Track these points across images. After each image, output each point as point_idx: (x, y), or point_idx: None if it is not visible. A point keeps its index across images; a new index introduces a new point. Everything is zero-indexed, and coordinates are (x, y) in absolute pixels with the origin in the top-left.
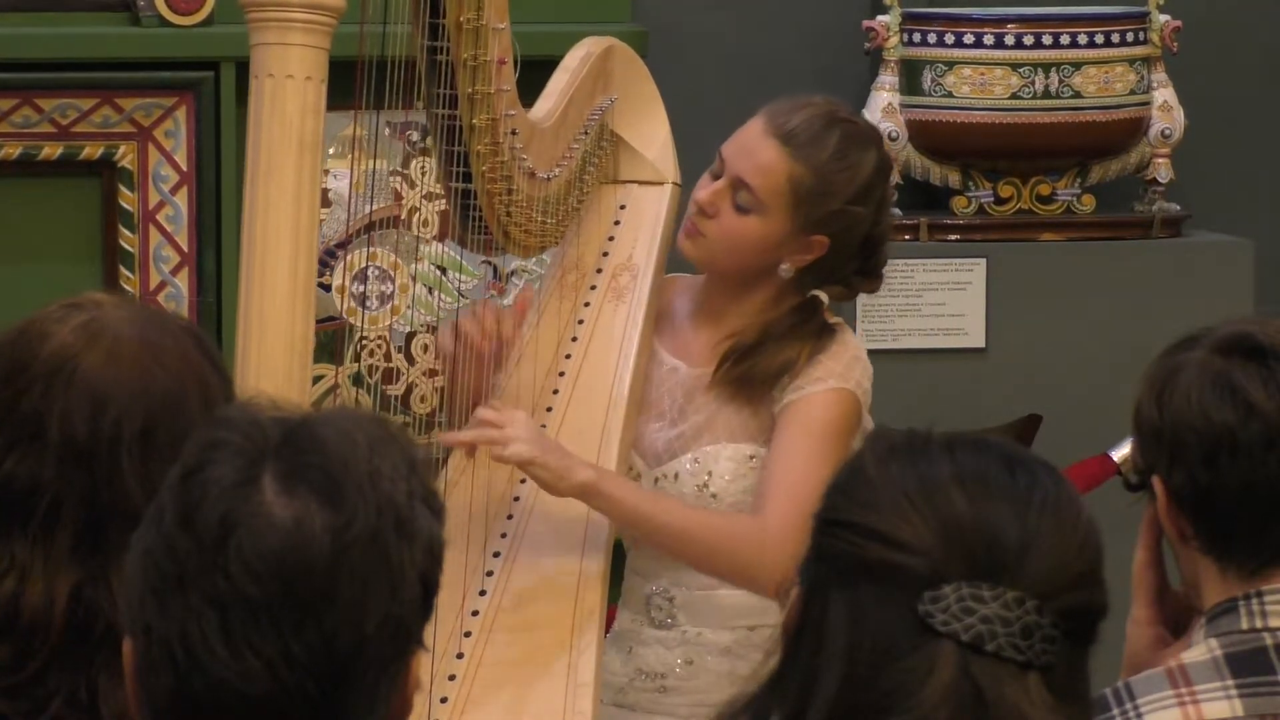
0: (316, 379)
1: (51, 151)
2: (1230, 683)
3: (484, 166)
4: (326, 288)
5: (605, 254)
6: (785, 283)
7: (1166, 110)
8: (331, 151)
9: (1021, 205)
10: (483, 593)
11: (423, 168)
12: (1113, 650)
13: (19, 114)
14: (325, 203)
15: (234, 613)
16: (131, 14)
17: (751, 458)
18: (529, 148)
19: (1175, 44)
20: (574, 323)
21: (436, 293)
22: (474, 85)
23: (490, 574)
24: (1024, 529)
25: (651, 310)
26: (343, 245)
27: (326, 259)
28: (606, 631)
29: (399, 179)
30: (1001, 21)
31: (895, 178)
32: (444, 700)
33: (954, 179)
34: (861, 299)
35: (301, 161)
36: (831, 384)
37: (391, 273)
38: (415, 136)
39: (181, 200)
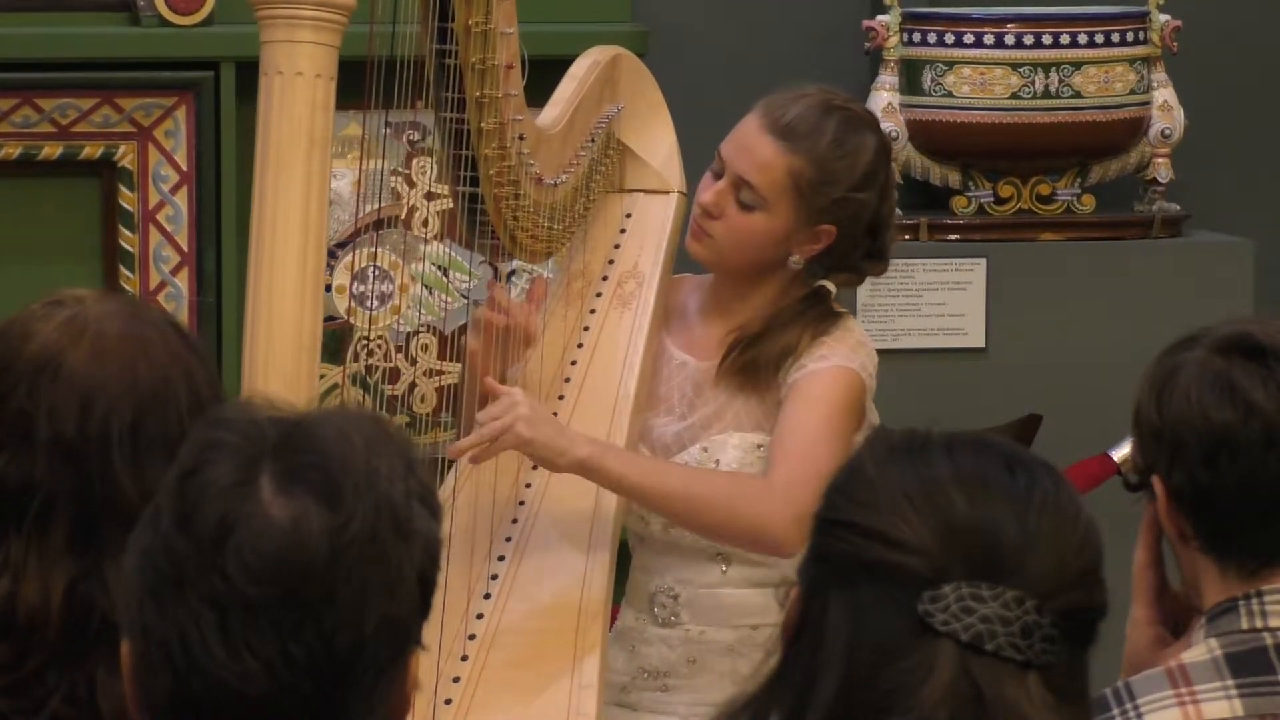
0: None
1: (51, 151)
2: (1230, 683)
3: (491, 170)
4: (327, 288)
5: (611, 262)
6: (794, 274)
7: (1166, 110)
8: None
9: (1021, 205)
10: (487, 596)
11: (423, 167)
12: (1113, 650)
13: (19, 114)
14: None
15: (232, 614)
16: (131, 14)
17: (759, 446)
18: (536, 153)
19: (1175, 44)
20: (579, 330)
21: (436, 293)
22: (482, 89)
23: (495, 577)
24: (1024, 529)
25: (657, 318)
26: (343, 245)
27: (327, 259)
28: (610, 631)
29: (399, 178)
30: (1001, 21)
31: (895, 177)
32: (448, 702)
33: (954, 179)
34: (861, 299)
35: (310, 159)
36: (836, 361)
37: (391, 273)
38: (416, 136)
39: (181, 200)
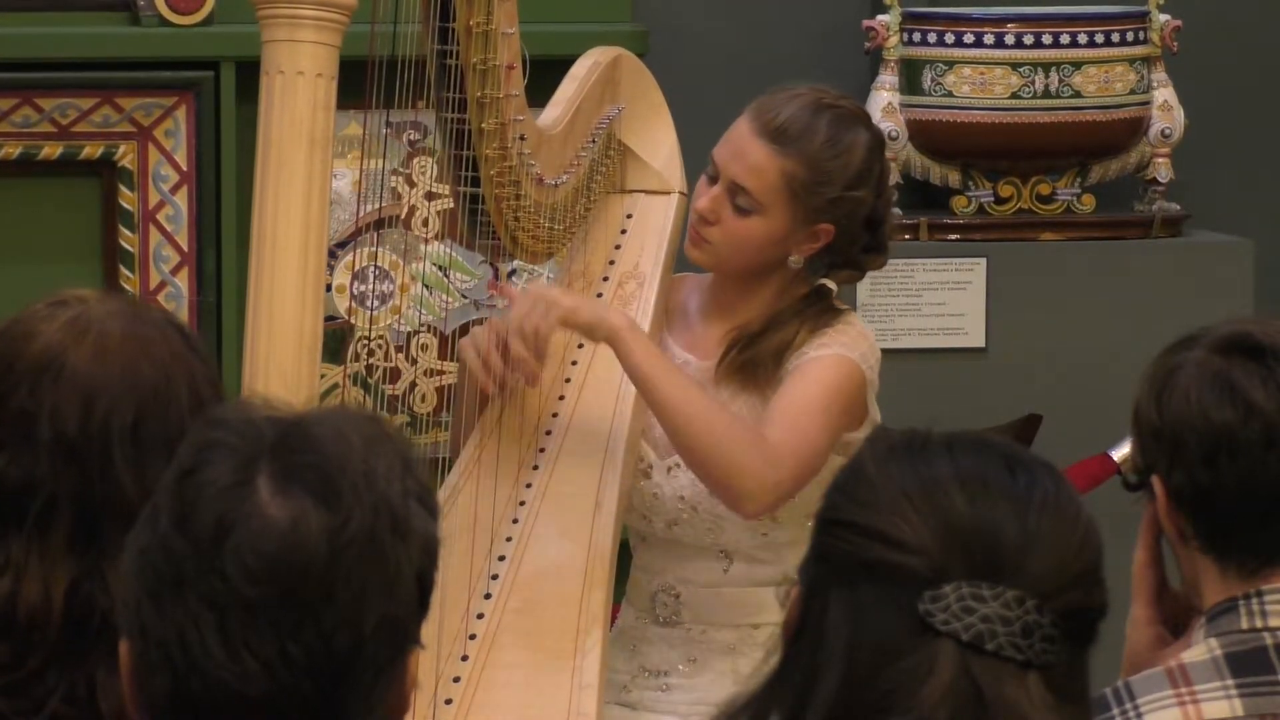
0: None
1: (51, 151)
2: (1230, 682)
3: (492, 171)
4: (327, 287)
5: (612, 262)
6: (795, 273)
7: (1166, 110)
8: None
9: (1021, 205)
10: (488, 595)
11: (423, 167)
12: (1113, 650)
13: (19, 114)
14: None
15: (231, 614)
16: (131, 14)
17: None
18: (537, 153)
19: (1175, 44)
20: None
21: (436, 292)
22: (483, 89)
23: (495, 577)
24: (1024, 529)
25: (658, 318)
26: (343, 245)
27: (328, 258)
28: (610, 630)
29: (399, 178)
30: (1001, 21)
31: (896, 178)
32: (449, 702)
33: (954, 179)
34: (862, 298)
35: (312, 158)
36: (836, 350)
37: (392, 273)
38: (416, 136)
39: (181, 200)
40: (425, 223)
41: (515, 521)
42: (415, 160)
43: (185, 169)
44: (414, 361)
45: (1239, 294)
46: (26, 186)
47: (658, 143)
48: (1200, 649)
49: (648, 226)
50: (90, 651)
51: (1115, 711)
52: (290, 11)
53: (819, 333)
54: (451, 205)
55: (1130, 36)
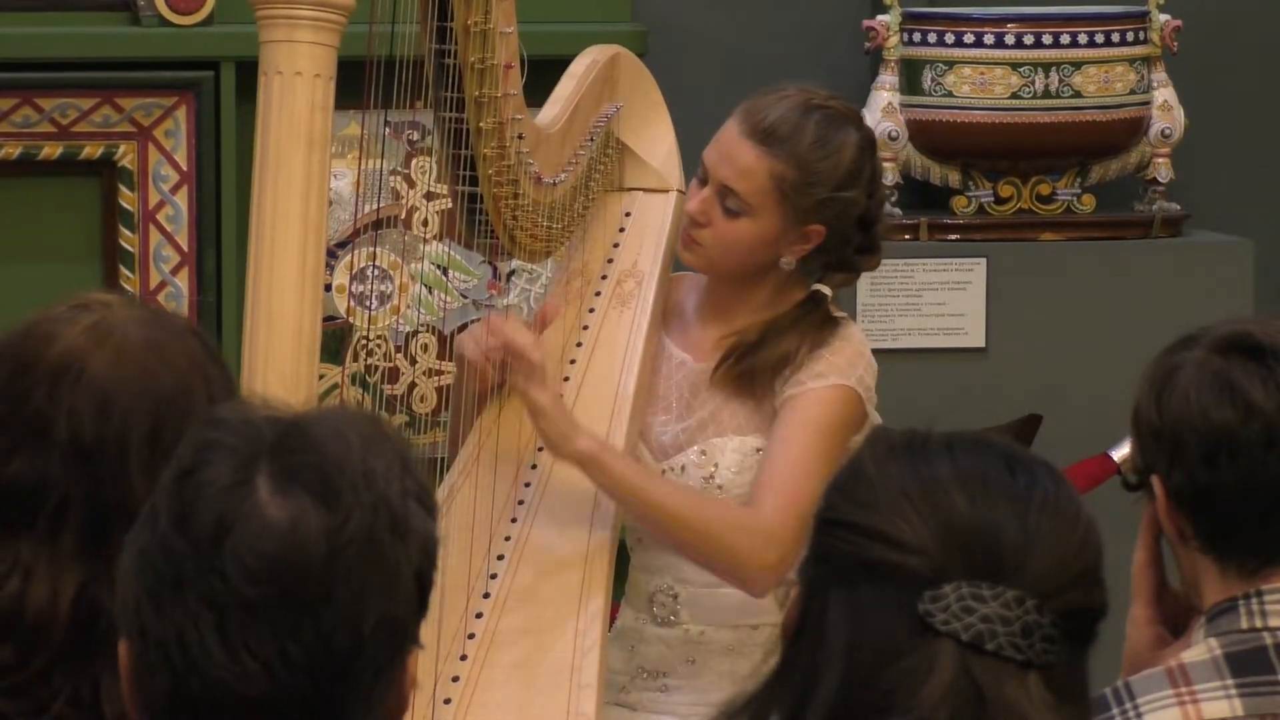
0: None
1: (51, 151)
2: (1230, 682)
3: (490, 170)
4: (327, 287)
5: (610, 260)
6: (789, 274)
7: (1166, 110)
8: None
9: (1021, 205)
10: (487, 595)
11: (423, 167)
12: (1113, 650)
13: (19, 114)
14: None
15: (230, 614)
16: (131, 14)
17: (758, 450)
18: (535, 152)
19: (1175, 44)
20: (579, 329)
21: (436, 292)
22: (481, 89)
23: (494, 576)
24: (1024, 529)
25: (657, 316)
26: (343, 245)
27: (327, 259)
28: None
29: (399, 178)
30: (1001, 21)
31: (896, 178)
32: (448, 701)
33: (954, 179)
34: (862, 299)
35: (310, 158)
36: (833, 380)
37: (391, 272)
38: (415, 136)
39: (181, 200)
40: (425, 223)
41: (514, 521)
42: (415, 160)
43: (185, 169)
44: (414, 361)
45: (1239, 294)
46: (26, 186)
47: (656, 140)
48: (1200, 649)
49: (646, 224)
50: (95, 655)
51: (1115, 711)
52: (288, 12)
53: (816, 353)
54: (451, 205)
55: (1130, 36)
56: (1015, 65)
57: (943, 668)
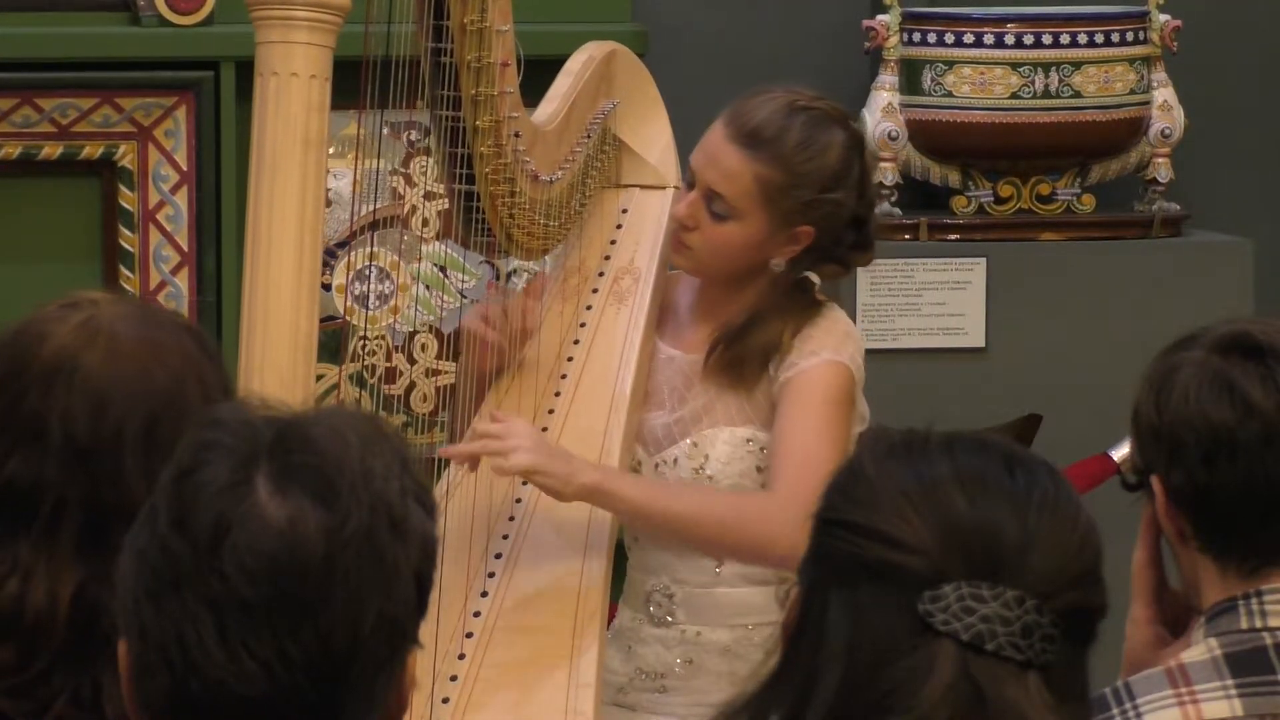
0: (317, 378)
1: (51, 151)
2: (1230, 682)
3: (487, 168)
4: (327, 287)
5: (607, 257)
6: (780, 273)
7: (1166, 110)
8: (331, 151)
9: (1021, 205)
10: (484, 594)
11: (423, 167)
12: (1113, 650)
13: (19, 114)
14: (325, 202)
15: (230, 614)
16: (131, 14)
17: (749, 440)
18: (532, 150)
19: (1175, 44)
20: (576, 326)
21: (436, 292)
22: (477, 87)
23: (492, 575)
24: (1023, 528)
25: (653, 313)
26: (343, 245)
27: (326, 259)
28: (607, 630)
29: (399, 178)
30: (1001, 21)
31: (896, 178)
32: (445, 701)
33: (954, 179)
34: (861, 299)
35: (306, 159)
36: (825, 356)
37: (391, 272)
38: (415, 136)
39: (181, 200)
40: (424, 222)
41: (512, 520)
42: (414, 160)
43: (185, 169)
44: (413, 361)
45: (1239, 294)
46: (26, 186)
47: (653, 137)
48: (1200, 649)
49: (643, 222)
50: (96, 655)
51: (1115, 711)
52: (284, 13)
53: (804, 334)
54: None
55: (1130, 36)
56: (1015, 65)
57: (943, 668)
